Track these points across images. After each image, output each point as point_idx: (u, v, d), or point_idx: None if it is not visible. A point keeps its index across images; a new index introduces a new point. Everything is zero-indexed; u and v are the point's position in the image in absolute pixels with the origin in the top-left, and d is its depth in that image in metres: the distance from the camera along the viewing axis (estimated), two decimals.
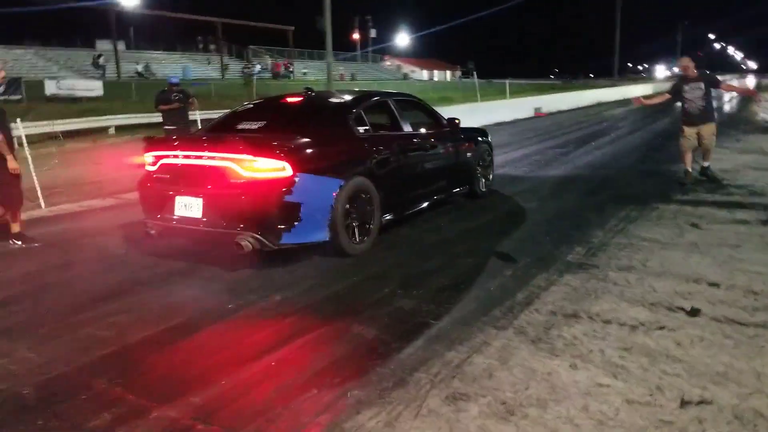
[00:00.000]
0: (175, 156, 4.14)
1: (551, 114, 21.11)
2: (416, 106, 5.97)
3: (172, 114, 8.52)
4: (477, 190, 6.28)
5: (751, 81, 52.97)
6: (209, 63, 43.71)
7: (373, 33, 58.50)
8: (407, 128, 5.28)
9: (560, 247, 4.28)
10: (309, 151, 4.06)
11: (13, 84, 18.83)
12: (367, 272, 3.90)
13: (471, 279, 3.66)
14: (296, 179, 3.80)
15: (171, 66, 39.68)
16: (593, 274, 3.67)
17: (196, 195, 3.91)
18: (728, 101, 24.83)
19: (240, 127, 4.60)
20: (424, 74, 66.12)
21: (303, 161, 3.89)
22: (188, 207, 3.96)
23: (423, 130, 5.60)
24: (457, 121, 6.02)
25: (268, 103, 5.82)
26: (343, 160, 4.30)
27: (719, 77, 7.21)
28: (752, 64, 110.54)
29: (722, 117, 17.11)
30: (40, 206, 6.34)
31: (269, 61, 47.38)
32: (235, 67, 43.17)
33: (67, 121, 15.14)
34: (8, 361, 2.68)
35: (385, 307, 3.23)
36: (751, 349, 2.60)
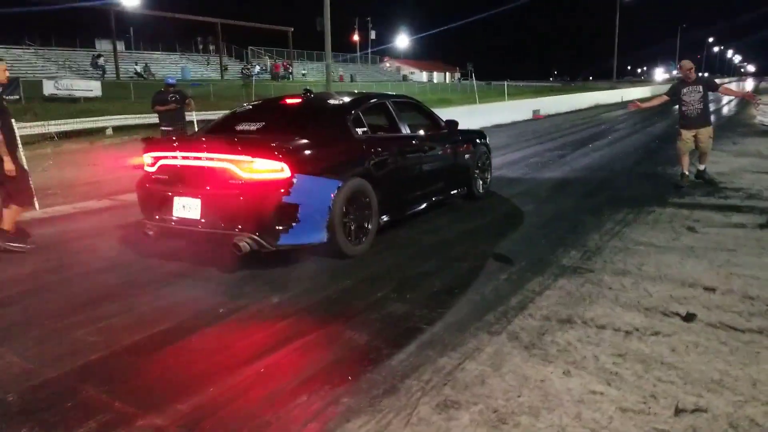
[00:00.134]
0: (174, 157, 4.13)
1: (549, 116, 21.12)
2: (414, 108, 5.96)
3: (169, 115, 8.49)
4: (475, 192, 6.26)
5: (749, 84, 53.06)
6: (208, 64, 43.70)
7: (372, 34, 58.58)
8: (405, 130, 5.28)
9: (556, 251, 4.25)
10: (307, 152, 4.05)
11: (11, 84, 18.77)
12: (362, 275, 3.87)
13: (466, 283, 3.63)
14: (294, 180, 3.78)
15: (170, 66, 39.68)
16: (588, 278, 3.64)
17: (195, 196, 3.91)
18: (726, 104, 24.86)
19: (239, 128, 4.60)
20: (424, 76, 66.19)
21: (301, 162, 3.88)
22: (187, 208, 3.95)
23: (421, 132, 5.59)
24: (454, 123, 6.01)
25: (266, 105, 5.81)
26: (341, 161, 4.29)
27: (717, 80, 7.20)
28: (751, 67, 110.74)
29: (720, 120, 17.15)
30: (33, 207, 6.29)
31: (268, 62, 47.38)
32: (234, 67, 43.19)
33: (62, 121, 15.05)
34: None
35: (379, 312, 3.19)
36: (746, 355, 2.57)
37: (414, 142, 5.33)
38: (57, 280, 3.94)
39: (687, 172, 6.80)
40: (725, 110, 22.29)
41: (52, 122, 14.38)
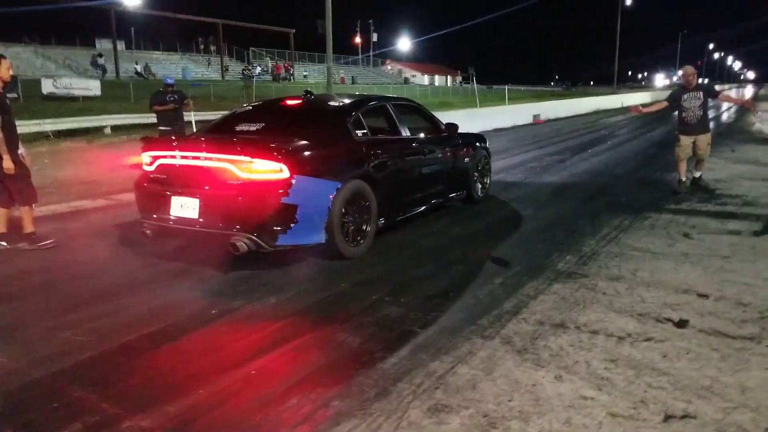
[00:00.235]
0: (173, 156, 4.14)
1: (550, 121, 21.15)
2: (415, 111, 5.97)
3: (167, 115, 8.50)
4: (474, 196, 6.28)
5: (749, 90, 53.20)
6: (209, 64, 43.71)
7: (374, 37, 58.62)
8: (405, 132, 5.29)
9: (552, 255, 4.26)
10: (306, 153, 4.06)
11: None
12: (358, 277, 3.88)
13: (461, 286, 3.63)
14: (293, 181, 3.79)
15: (171, 66, 39.70)
16: (583, 283, 3.65)
17: (193, 195, 3.92)
18: (725, 111, 24.91)
19: (238, 128, 4.61)
20: (425, 79, 66.26)
21: (300, 163, 3.89)
22: (185, 207, 3.96)
23: (421, 135, 5.60)
24: (455, 127, 6.02)
25: (266, 106, 5.83)
26: (340, 163, 4.30)
27: (717, 87, 7.23)
28: (751, 74, 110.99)
29: (718, 127, 17.18)
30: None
31: (270, 63, 47.41)
32: (235, 68, 43.20)
33: (59, 120, 15.02)
34: None
35: (373, 315, 3.20)
36: (737, 362, 2.58)
37: (414, 144, 5.34)
38: (48, 280, 3.93)
39: (684, 179, 6.82)
40: (724, 117, 22.32)
41: (48, 120, 14.35)
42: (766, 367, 2.53)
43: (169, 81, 8.88)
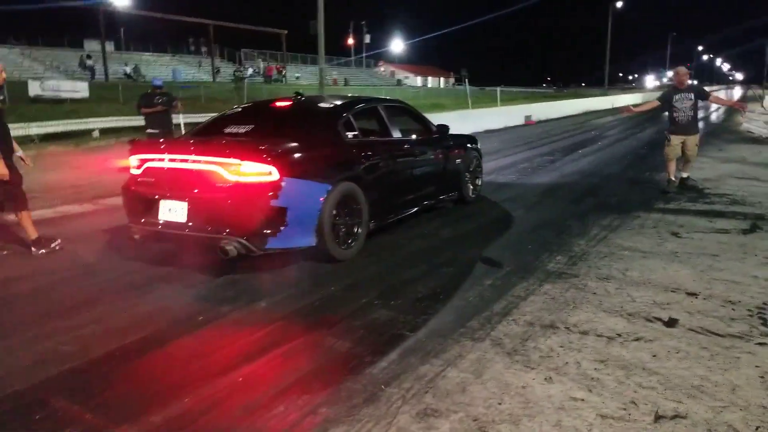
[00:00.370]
0: (161, 159, 4.09)
1: (541, 122, 21.23)
2: (405, 113, 5.96)
3: (155, 117, 8.41)
4: (465, 197, 6.27)
5: (737, 92, 53.80)
6: (200, 66, 43.49)
7: (367, 38, 58.59)
8: (396, 134, 5.27)
9: (542, 256, 4.26)
10: (296, 155, 4.03)
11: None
12: (348, 280, 3.84)
13: (451, 288, 3.61)
14: (283, 184, 3.76)
15: (161, 68, 39.45)
16: (573, 283, 3.65)
17: (181, 199, 3.87)
18: (714, 111, 25.15)
19: (227, 130, 4.57)
20: (418, 80, 66.33)
21: (290, 165, 3.86)
22: (173, 211, 3.91)
23: (412, 137, 5.59)
24: (445, 128, 6.01)
25: (256, 107, 5.78)
26: (330, 165, 4.27)
27: (706, 88, 7.29)
28: (739, 76, 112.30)
29: (707, 127, 17.34)
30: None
31: (261, 64, 47.25)
32: (226, 70, 43.01)
33: (46, 123, 14.78)
34: None
35: (362, 318, 3.17)
36: (726, 360, 2.58)
37: (405, 146, 5.33)
38: (33, 288, 3.86)
39: (673, 178, 6.87)
40: (713, 117, 22.54)
41: (34, 124, 14.12)
42: (756, 364, 2.53)
43: (157, 83, 8.80)
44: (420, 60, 73.00)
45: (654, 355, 2.64)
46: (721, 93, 38.10)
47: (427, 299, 3.44)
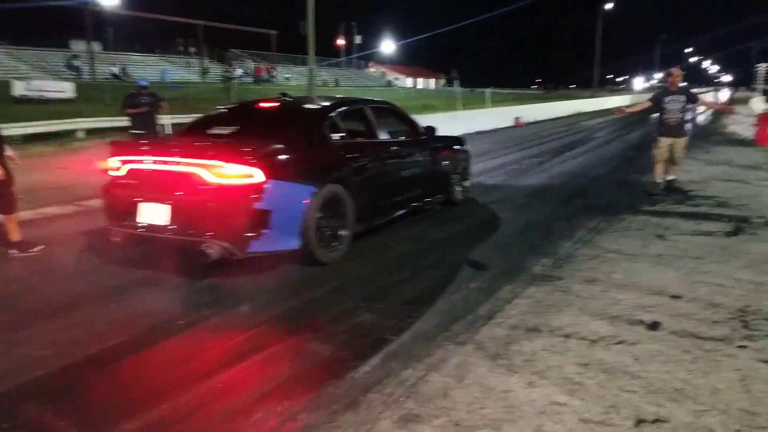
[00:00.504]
0: (142, 161, 4.04)
1: (531, 124, 21.33)
2: (393, 114, 5.94)
3: (141, 118, 8.31)
4: (453, 199, 6.27)
5: (725, 93, 54.52)
6: (189, 66, 43.18)
7: (358, 39, 58.55)
8: (383, 135, 5.25)
9: (528, 258, 4.25)
10: (280, 157, 3.99)
11: None
12: (332, 283, 3.81)
13: (436, 291, 3.60)
14: (266, 186, 3.72)
15: (149, 68, 39.10)
16: (558, 286, 3.65)
17: (163, 201, 3.82)
18: (701, 114, 25.43)
19: (211, 132, 4.52)
20: (409, 82, 66.40)
21: (274, 168, 3.82)
22: (154, 214, 3.86)
23: (399, 138, 5.57)
24: (433, 129, 6.00)
25: (241, 108, 5.73)
26: (316, 167, 4.23)
27: (694, 90, 7.36)
28: (727, 78, 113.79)
29: (694, 129, 17.51)
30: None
31: (251, 65, 47.03)
32: (215, 70, 42.68)
33: (29, 124, 14.54)
34: None
35: (346, 322, 3.14)
36: (708, 364, 2.59)
37: (392, 148, 5.31)
38: (10, 291, 3.77)
39: (660, 180, 6.91)
40: (700, 119, 22.79)
41: (18, 124, 13.89)
42: (736, 368, 2.54)
43: (143, 83, 8.70)
44: (411, 61, 73.09)
45: (636, 359, 2.64)
46: (708, 95, 38.55)
47: (412, 302, 3.42)
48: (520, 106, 25.59)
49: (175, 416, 2.22)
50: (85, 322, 3.19)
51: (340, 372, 2.55)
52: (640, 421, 2.15)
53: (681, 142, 6.81)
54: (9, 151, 4.57)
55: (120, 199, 4.11)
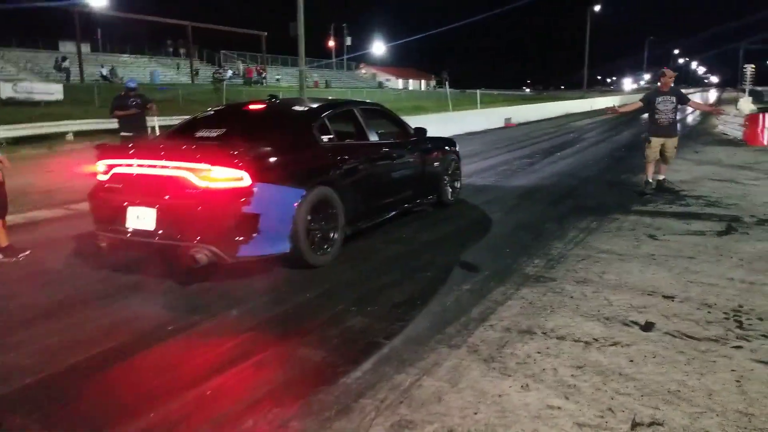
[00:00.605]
0: (128, 165, 3.98)
1: (521, 124, 21.41)
2: (383, 115, 5.90)
3: (129, 120, 8.20)
4: (444, 200, 6.24)
5: (712, 94, 55.14)
6: (179, 68, 42.87)
7: (348, 41, 58.46)
8: (373, 137, 5.22)
9: (519, 259, 4.23)
10: (269, 160, 3.94)
11: None
12: (323, 287, 3.76)
13: (428, 294, 3.56)
14: (255, 189, 3.66)
15: (139, 70, 38.79)
16: (550, 287, 3.62)
17: (150, 205, 3.75)
18: (690, 114, 25.67)
19: (199, 134, 4.46)
20: (400, 83, 66.43)
21: (262, 170, 3.77)
22: (141, 218, 3.79)
23: (389, 140, 5.54)
24: (423, 131, 5.98)
25: (229, 110, 5.68)
26: (305, 169, 4.18)
27: (683, 91, 7.40)
28: (714, 79, 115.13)
29: (684, 129, 17.67)
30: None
31: (241, 66, 46.79)
32: (205, 72, 42.44)
33: (16, 126, 14.34)
34: None
35: (337, 326, 3.09)
36: (703, 365, 2.57)
37: (382, 149, 5.27)
38: None
39: (651, 180, 6.94)
40: (689, 119, 23.00)
41: (4, 127, 13.69)
42: (732, 368, 2.52)
43: (131, 84, 8.58)
44: (401, 62, 73.14)
45: (631, 360, 2.62)
46: (696, 96, 39.01)
47: (404, 305, 3.38)
48: (511, 107, 25.70)
49: (164, 424, 2.16)
50: (73, 329, 3.12)
51: (331, 377, 2.49)
52: (636, 425, 2.12)
53: (672, 141, 6.85)
54: None
55: (107, 204, 4.04)
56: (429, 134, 6.14)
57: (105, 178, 4.11)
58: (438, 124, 13.26)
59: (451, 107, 21.86)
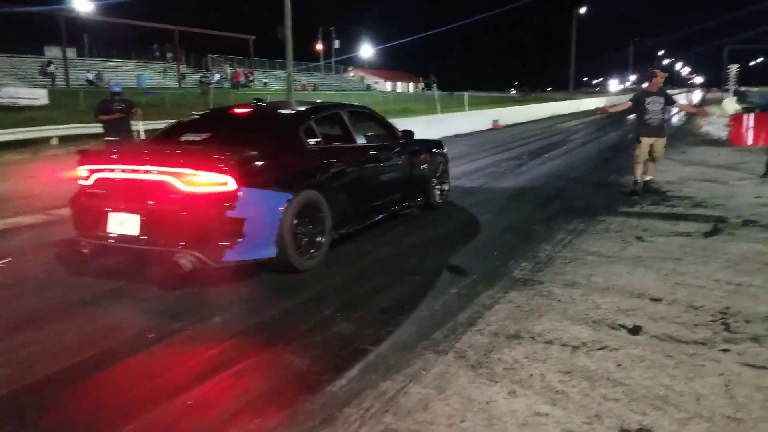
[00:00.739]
0: (111, 170, 3.91)
1: (508, 126, 21.49)
2: (370, 118, 5.87)
3: (114, 124, 8.09)
4: (432, 202, 6.21)
5: (697, 95, 55.88)
6: (166, 72, 42.52)
7: (336, 44, 58.48)
8: (360, 140, 5.18)
9: (508, 262, 4.21)
10: (255, 164, 3.89)
11: None
12: (309, 292, 3.71)
13: (416, 298, 3.52)
14: (240, 194, 3.61)
15: (126, 74, 38.41)
16: (538, 290, 3.60)
17: (133, 211, 3.70)
18: (675, 114, 25.96)
19: (184, 138, 4.40)
20: (388, 86, 66.57)
21: (248, 175, 3.71)
22: (124, 224, 3.73)
23: (377, 142, 5.50)
24: (411, 133, 5.95)
25: (215, 114, 5.62)
26: (291, 173, 4.14)
27: (668, 92, 7.45)
28: (699, 79, 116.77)
29: (669, 130, 17.84)
30: None
31: (229, 70, 46.55)
32: (192, 76, 42.18)
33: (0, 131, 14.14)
34: None
35: (322, 333, 3.04)
36: (690, 369, 2.55)
37: (369, 152, 5.23)
38: None
39: (639, 180, 6.97)
40: (675, 120, 23.26)
41: None
42: (719, 372, 2.51)
43: (116, 89, 8.48)
44: (389, 65, 73.36)
45: (619, 365, 2.59)
46: (681, 96, 39.49)
47: (391, 310, 3.34)
48: (498, 109, 25.80)
49: None
50: (53, 337, 3.04)
51: (316, 386, 2.44)
52: (623, 431, 2.10)
53: (661, 141, 6.90)
54: None
55: (89, 209, 3.98)
56: (417, 136, 6.13)
57: (87, 183, 4.03)
58: (426, 127, 13.27)
59: (439, 109, 21.91)
